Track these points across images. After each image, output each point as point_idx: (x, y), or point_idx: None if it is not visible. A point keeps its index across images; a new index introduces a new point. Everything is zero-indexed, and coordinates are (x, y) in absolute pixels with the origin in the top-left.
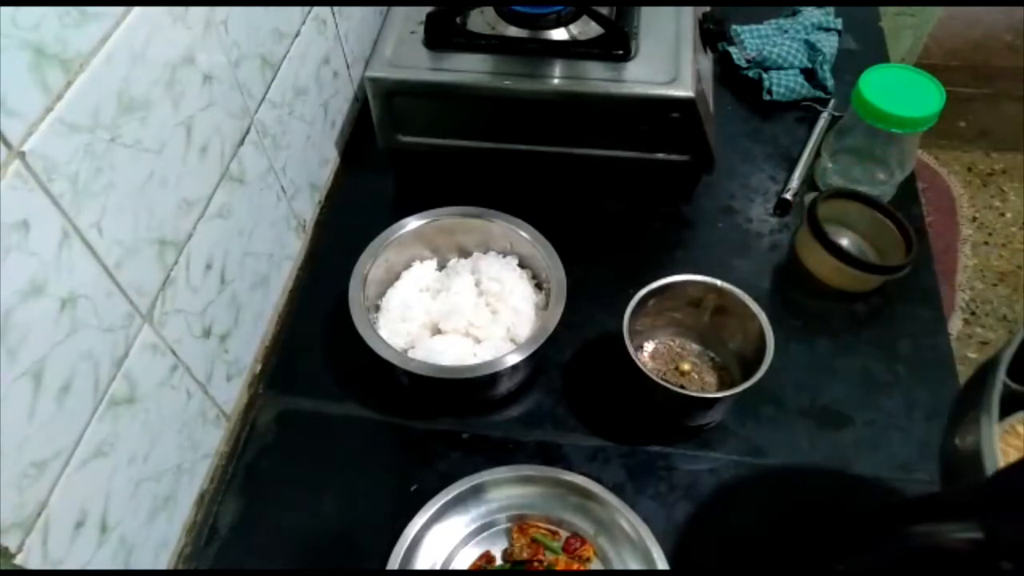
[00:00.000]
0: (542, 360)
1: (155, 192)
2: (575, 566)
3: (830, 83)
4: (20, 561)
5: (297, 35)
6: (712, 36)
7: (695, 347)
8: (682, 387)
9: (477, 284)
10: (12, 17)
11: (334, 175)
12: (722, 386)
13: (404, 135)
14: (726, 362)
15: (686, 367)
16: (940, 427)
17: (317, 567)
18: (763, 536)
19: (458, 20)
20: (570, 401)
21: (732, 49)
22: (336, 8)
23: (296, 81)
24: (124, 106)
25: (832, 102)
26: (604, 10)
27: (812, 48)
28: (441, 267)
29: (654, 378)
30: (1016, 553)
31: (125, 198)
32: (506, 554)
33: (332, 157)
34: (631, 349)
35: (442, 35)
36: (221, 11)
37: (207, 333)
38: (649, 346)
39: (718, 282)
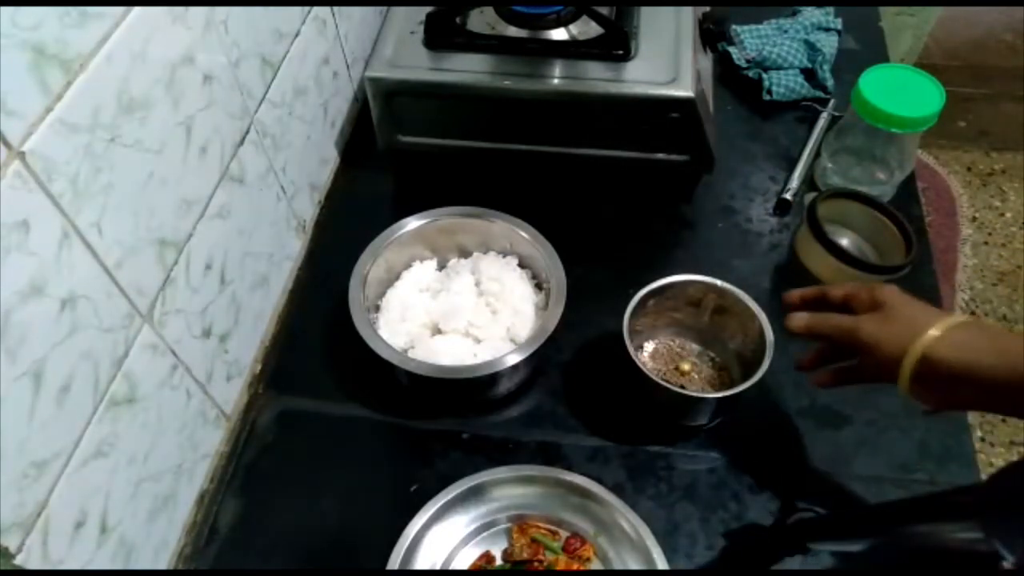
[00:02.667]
0: (542, 360)
1: (155, 192)
2: (575, 566)
3: (830, 83)
4: (20, 561)
5: (297, 35)
6: (712, 36)
7: (695, 347)
8: (682, 387)
9: (477, 284)
10: (12, 17)
11: (334, 175)
12: (722, 386)
13: (404, 135)
14: (726, 362)
15: (686, 367)
16: (939, 427)
17: (317, 567)
18: (763, 536)
19: (458, 20)
20: (570, 401)
21: (732, 49)
22: (336, 8)
23: (296, 81)
24: (124, 106)
25: (832, 102)
26: (604, 10)
27: (812, 48)
28: (441, 267)
29: (654, 378)
30: (1016, 553)
31: (125, 198)
32: (506, 554)
33: (332, 157)
34: (631, 349)
35: (442, 35)
36: (221, 11)
37: (207, 333)
38: (649, 346)
39: (718, 282)
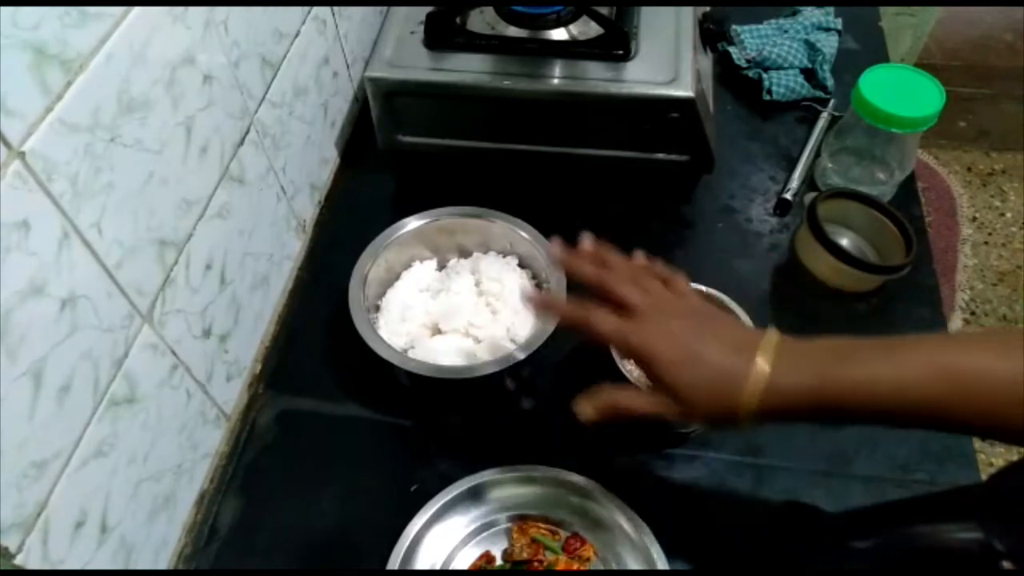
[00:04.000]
0: (542, 360)
1: (155, 192)
2: (575, 566)
3: (830, 83)
4: (20, 561)
5: (297, 35)
6: (712, 36)
7: None
8: None
9: (477, 284)
10: (12, 17)
11: (334, 175)
12: None
13: (404, 135)
14: None
15: None
16: None
17: (317, 567)
18: (763, 536)
19: (458, 20)
20: (570, 401)
21: (732, 49)
22: (336, 8)
23: (296, 81)
24: (124, 106)
25: (832, 102)
26: (604, 10)
27: (812, 48)
28: (441, 267)
29: (640, 386)
30: (1016, 553)
31: (125, 198)
32: (506, 554)
33: (332, 157)
34: (617, 357)
35: (442, 35)
36: (221, 11)
37: (207, 333)
38: None
39: (702, 287)
